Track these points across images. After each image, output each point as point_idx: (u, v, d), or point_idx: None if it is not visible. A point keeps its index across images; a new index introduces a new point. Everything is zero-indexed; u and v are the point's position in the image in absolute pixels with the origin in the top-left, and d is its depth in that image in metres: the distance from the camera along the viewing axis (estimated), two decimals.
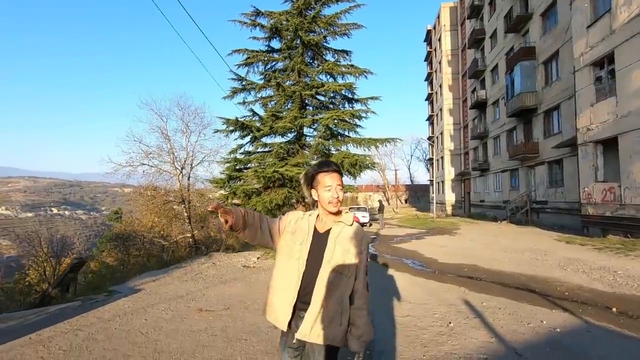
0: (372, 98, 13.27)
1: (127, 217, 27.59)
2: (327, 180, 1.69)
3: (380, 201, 22.82)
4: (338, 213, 1.76)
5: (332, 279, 1.63)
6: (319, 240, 1.70)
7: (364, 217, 22.52)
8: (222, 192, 14.07)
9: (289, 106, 13.32)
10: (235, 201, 13.07)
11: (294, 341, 1.65)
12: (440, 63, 37.51)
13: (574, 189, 15.00)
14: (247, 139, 13.27)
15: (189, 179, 18.70)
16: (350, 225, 1.76)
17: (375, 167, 13.60)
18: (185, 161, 18.37)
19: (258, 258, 9.43)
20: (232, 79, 13.31)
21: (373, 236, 15.58)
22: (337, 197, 1.70)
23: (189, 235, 18.48)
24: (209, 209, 1.56)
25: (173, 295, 5.59)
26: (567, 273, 6.65)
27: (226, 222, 1.55)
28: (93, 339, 3.80)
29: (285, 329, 1.66)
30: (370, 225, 23.21)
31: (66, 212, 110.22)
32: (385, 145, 13.57)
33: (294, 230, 1.74)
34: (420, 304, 4.82)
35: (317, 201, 1.77)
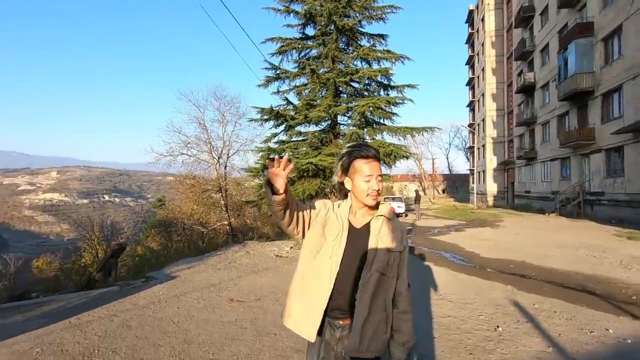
0: (408, 86, 12.70)
1: (169, 204, 28.77)
2: (367, 169, 1.44)
3: (416, 191, 22.09)
4: (375, 205, 1.51)
5: (376, 281, 1.41)
6: (356, 237, 1.46)
7: (399, 207, 21.92)
8: (257, 180, 14.18)
9: (323, 94, 13.07)
10: None
11: None
12: (483, 45, 35.29)
13: (636, 179, 13.55)
14: (281, 127, 13.21)
15: (225, 168, 19.06)
16: (391, 218, 1.53)
17: (411, 157, 13.08)
18: (221, 151, 18.69)
19: (291, 248, 9.37)
20: (266, 67, 13.24)
21: (409, 227, 15.09)
22: (377, 190, 1.45)
23: (226, 223, 18.93)
24: (278, 157, 1.28)
25: (206, 283, 5.61)
26: (633, 273, 5.93)
27: (273, 193, 1.31)
28: (127, 325, 3.84)
29: (313, 339, 1.45)
30: (406, 215, 22.60)
31: (116, 199, 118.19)
32: (422, 135, 13.00)
33: (324, 222, 1.49)
34: (463, 303, 4.44)
35: (349, 191, 1.52)
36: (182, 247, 18.38)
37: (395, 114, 12.32)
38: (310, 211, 1.52)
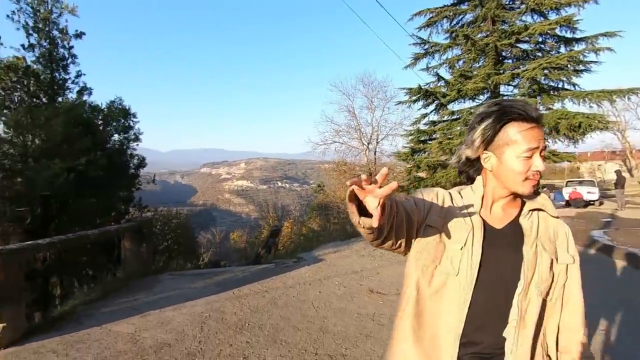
0: (604, 35, 9.65)
1: (327, 189, 31.30)
2: (527, 139, 0.89)
3: (617, 171, 16.80)
4: (530, 195, 0.97)
5: (535, 308, 0.92)
6: (497, 243, 0.95)
7: (590, 193, 17.20)
8: (407, 165, 13.63)
9: (480, 63, 11.42)
10: (420, 174, 12.41)
11: None
12: None
13: None
14: (431, 107, 12.34)
15: (375, 153, 19.22)
16: (553, 215, 1.00)
17: (609, 128, 9.96)
18: (370, 136, 18.94)
19: None
20: (414, 43, 12.49)
21: (607, 219, 11.69)
22: (540, 171, 0.91)
23: None
24: (368, 176, 0.75)
25: (348, 269, 5.61)
26: None
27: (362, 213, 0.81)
28: (274, 303, 4.14)
29: None
30: (601, 204, 17.64)
31: (286, 185, 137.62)
32: (628, 98, 9.77)
33: (442, 222, 0.98)
34: None
35: (484, 171, 1.00)
36: (337, 230, 19.76)
37: (586, 70, 9.60)
38: (418, 211, 0.98)
